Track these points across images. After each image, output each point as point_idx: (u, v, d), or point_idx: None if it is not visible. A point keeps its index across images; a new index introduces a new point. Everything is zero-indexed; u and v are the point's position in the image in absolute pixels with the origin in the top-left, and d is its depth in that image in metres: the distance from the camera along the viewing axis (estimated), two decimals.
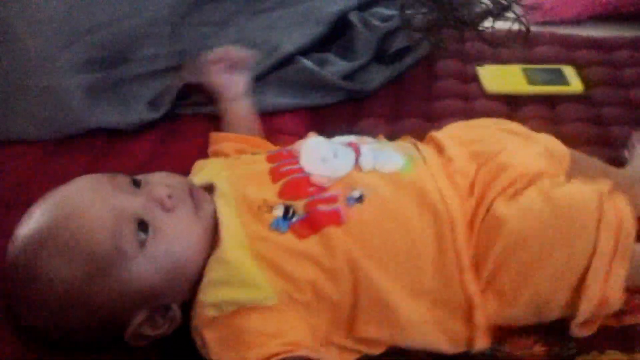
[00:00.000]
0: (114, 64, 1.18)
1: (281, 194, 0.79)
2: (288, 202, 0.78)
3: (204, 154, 1.05)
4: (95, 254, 0.71)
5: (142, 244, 0.73)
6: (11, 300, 0.77)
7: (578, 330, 0.79)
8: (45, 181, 0.92)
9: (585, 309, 0.77)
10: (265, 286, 0.73)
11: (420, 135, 1.07)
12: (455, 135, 0.92)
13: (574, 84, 1.28)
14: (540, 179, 0.82)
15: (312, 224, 0.77)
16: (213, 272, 0.75)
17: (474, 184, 0.83)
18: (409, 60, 1.33)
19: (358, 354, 0.79)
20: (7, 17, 1.13)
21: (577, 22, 1.52)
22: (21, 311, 0.76)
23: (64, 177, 0.80)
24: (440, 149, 0.89)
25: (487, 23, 1.37)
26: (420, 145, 0.90)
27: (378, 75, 1.28)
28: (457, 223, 0.78)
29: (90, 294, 0.72)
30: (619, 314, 0.81)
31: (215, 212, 0.79)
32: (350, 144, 0.86)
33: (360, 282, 0.75)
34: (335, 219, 0.77)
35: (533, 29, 1.48)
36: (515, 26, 1.35)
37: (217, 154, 1.00)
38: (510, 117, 1.08)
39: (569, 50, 1.39)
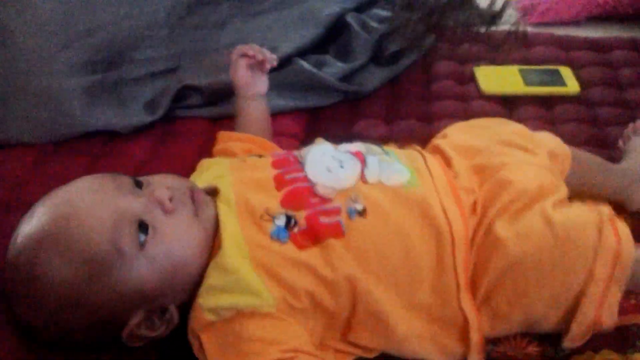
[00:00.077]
0: (112, 66, 1.18)
1: (284, 202, 0.79)
2: (290, 212, 0.78)
3: (202, 155, 1.05)
4: (95, 254, 0.71)
5: (141, 245, 0.73)
6: (11, 299, 0.77)
7: (569, 343, 0.80)
8: (44, 183, 0.92)
9: (577, 329, 0.78)
10: (264, 293, 0.73)
11: (417, 136, 1.08)
12: (458, 145, 0.92)
13: (571, 85, 1.28)
14: (542, 197, 0.81)
15: (313, 235, 0.77)
16: (212, 278, 0.75)
17: (477, 202, 0.83)
18: (406, 61, 1.33)
19: (352, 356, 0.79)
20: (5, 18, 1.13)
21: (574, 23, 1.52)
22: (20, 310, 0.76)
23: (62, 179, 0.80)
24: (447, 161, 0.89)
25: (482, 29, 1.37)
26: (427, 155, 0.89)
27: (375, 77, 1.29)
28: (459, 242, 0.78)
29: (89, 293, 0.72)
30: None
31: (216, 216, 0.79)
32: (356, 154, 0.85)
33: (358, 295, 0.75)
34: (337, 231, 0.77)
35: (530, 29, 1.49)
36: (513, 28, 1.35)
37: (224, 153, 0.99)
38: (507, 118, 1.08)
39: (566, 51, 1.40)
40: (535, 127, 1.00)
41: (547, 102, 1.25)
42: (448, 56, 1.38)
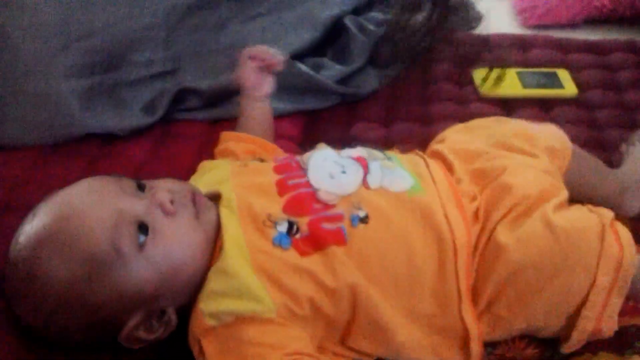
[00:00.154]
0: (109, 69, 1.18)
1: (286, 208, 0.79)
2: (292, 218, 0.78)
3: (201, 157, 1.05)
4: (94, 254, 0.72)
5: (141, 246, 0.73)
6: (10, 299, 0.77)
7: (567, 349, 0.80)
8: (42, 184, 0.93)
9: (577, 337, 0.78)
10: (265, 298, 0.73)
11: (416, 138, 1.08)
12: (457, 149, 0.92)
13: (568, 87, 1.28)
14: (543, 201, 0.81)
15: (315, 242, 0.76)
16: (214, 282, 0.75)
17: (479, 209, 0.83)
18: (403, 64, 1.33)
19: (349, 359, 0.79)
20: (3, 21, 1.13)
21: (571, 25, 1.52)
22: (20, 310, 0.76)
23: (61, 181, 0.80)
24: (448, 167, 0.89)
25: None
26: (430, 161, 0.89)
27: (373, 79, 1.29)
28: (461, 250, 0.78)
29: (87, 293, 0.72)
30: None
31: (217, 220, 0.79)
32: (358, 159, 0.85)
33: (359, 302, 0.75)
34: (339, 238, 0.77)
35: (528, 32, 1.50)
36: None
37: (225, 153, 0.99)
38: None
39: (564, 54, 1.40)
40: None
41: (545, 104, 1.25)
42: (446, 58, 1.38)
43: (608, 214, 0.81)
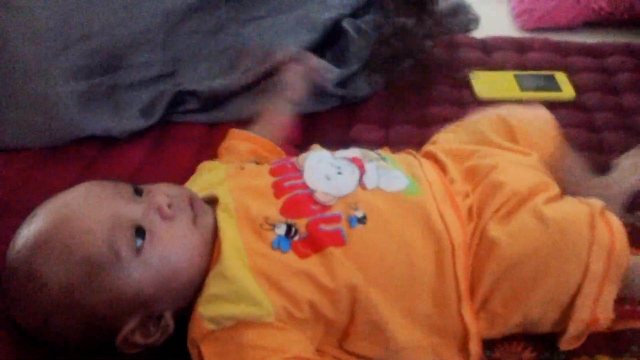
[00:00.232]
0: (107, 71, 1.18)
1: (283, 210, 0.79)
2: (290, 221, 0.78)
3: (198, 160, 1.05)
4: (91, 257, 0.72)
5: (138, 250, 0.73)
6: (8, 301, 0.77)
7: (566, 344, 0.80)
8: (39, 187, 0.93)
9: (574, 329, 0.78)
10: (265, 302, 0.73)
11: (413, 141, 1.08)
12: (448, 149, 0.92)
13: (566, 90, 1.28)
14: (533, 196, 0.81)
15: (313, 243, 0.76)
16: (212, 287, 0.75)
17: (472, 207, 0.83)
18: (402, 67, 1.33)
19: None
20: (1, 24, 1.13)
21: (569, 28, 1.52)
22: (18, 312, 0.77)
23: (58, 184, 0.81)
24: (441, 167, 0.89)
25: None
26: (423, 160, 0.89)
27: (372, 82, 1.29)
28: (458, 249, 0.78)
29: (84, 296, 0.72)
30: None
31: (215, 224, 0.79)
32: (354, 160, 0.85)
33: (358, 303, 0.75)
34: (337, 239, 0.77)
35: (526, 35, 1.50)
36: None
37: (229, 150, 0.99)
38: None
39: (562, 57, 1.40)
40: None
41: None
42: (444, 61, 1.38)
43: (598, 203, 0.81)
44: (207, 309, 0.74)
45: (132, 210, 0.75)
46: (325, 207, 0.79)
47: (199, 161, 1.00)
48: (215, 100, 1.22)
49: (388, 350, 0.78)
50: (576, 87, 1.29)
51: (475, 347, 0.78)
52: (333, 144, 0.93)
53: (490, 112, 0.98)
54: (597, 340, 0.81)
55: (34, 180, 1.06)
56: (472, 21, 1.55)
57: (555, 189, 0.85)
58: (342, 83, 1.26)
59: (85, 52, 1.16)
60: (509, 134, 0.93)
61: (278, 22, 1.32)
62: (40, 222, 0.75)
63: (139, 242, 0.73)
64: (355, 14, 1.38)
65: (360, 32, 1.32)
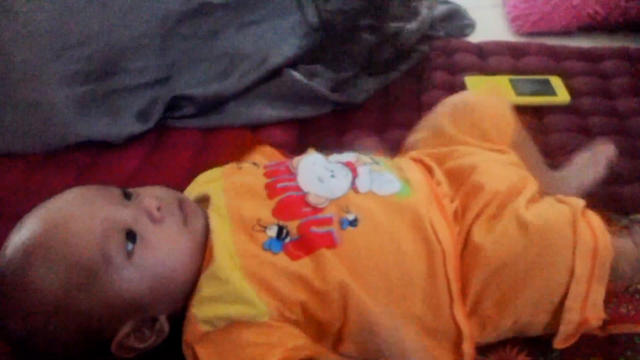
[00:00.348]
0: (103, 77, 1.18)
1: (276, 212, 0.79)
2: (282, 223, 0.78)
3: (194, 165, 1.06)
4: (82, 263, 0.71)
5: (129, 254, 0.73)
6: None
7: (560, 344, 0.80)
8: (34, 194, 0.92)
9: (566, 330, 0.78)
10: (258, 303, 0.73)
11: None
12: (429, 153, 0.92)
13: (561, 95, 1.28)
14: (513, 197, 0.82)
15: (305, 245, 0.76)
16: (206, 288, 0.75)
17: (457, 211, 0.83)
18: (397, 71, 1.33)
19: None
20: None
21: (565, 33, 1.52)
22: (9, 322, 0.75)
23: (51, 191, 0.80)
24: (428, 170, 0.89)
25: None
26: (413, 165, 0.89)
27: (366, 87, 1.29)
28: (448, 252, 0.78)
29: (76, 302, 0.72)
30: (604, 323, 0.81)
31: (206, 225, 0.79)
32: (347, 164, 0.85)
33: (350, 305, 0.75)
34: (329, 241, 0.77)
35: (521, 39, 1.50)
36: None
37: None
38: None
39: (557, 61, 1.40)
40: None
41: (537, 111, 1.25)
42: (439, 66, 1.38)
43: (578, 202, 0.81)
44: (201, 311, 0.74)
45: (122, 214, 0.75)
46: (317, 210, 0.79)
47: (195, 166, 1.00)
48: (211, 105, 1.22)
49: (381, 352, 0.78)
50: (571, 92, 1.29)
51: (468, 348, 0.78)
52: (328, 149, 0.93)
53: (448, 104, 0.99)
54: (592, 344, 0.81)
55: (29, 186, 1.06)
56: (468, 26, 1.55)
57: (534, 185, 0.86)
58: (337, 88, 1.27)
59: (81, 57, 1.16)
60: (472, 126, 0.93)
61: (273, 27, 1.33)
62: (29, 229, 0.74)
63: (130, 245, 0.73)
64: (350, 19, 1.38)
65: (355, 37, 1.32)
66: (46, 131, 1.12)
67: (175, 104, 1.21)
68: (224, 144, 1.16)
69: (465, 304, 0.79)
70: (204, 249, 0.78)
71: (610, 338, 0.82)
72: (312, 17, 1.33)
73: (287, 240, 0.77)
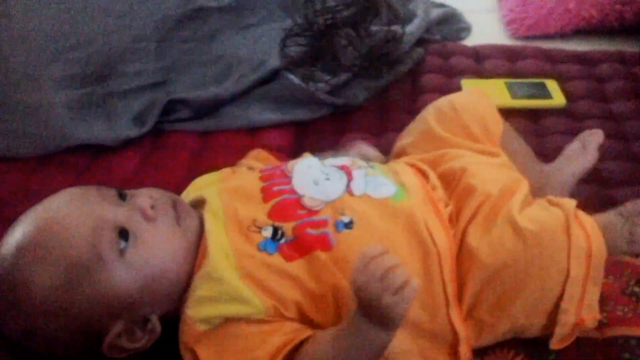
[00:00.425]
0: (100, 80, 1.18)
1: (271, 214, 0.79)
2: (277, 224, 0.78)
3: (190, 168, 1.05)
4: (74, 260, 0.72)
5: (121, 252, 0.73)
6: None
7: (556, 345, 0.80)
8: (31, 197, 0.92)
9: (562, 332, 0.78)
10: (255, 301, 0.73)
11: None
12: (423, 158, 0.92)
13: (557, 98, 1.29)
14: (506, 199, 0.82)
15: (300, 247, 0.77)
16: (200, 289, 0.75)
17: (452, 214, 0.83)
18: (394, 74, 1.34)
19: None
20: None
21: (560, 36, 1.53)
22: (2, 321, 0.76)
23: (49, 193, 0.80)
24: (423, 174, 0.89)
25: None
26: (407, 169, 0.89)
27: (363, 90, 1.29)
28: (444, 255, 0.79)
29: (68, 300, 0.72)
30: (601, 326, 0.82)
31: (200, 226, 0.79)
32: (342, 167, 0.86)
33: (344, 307, 0.75)
34: (324, 243, 0.77)
35: (517, 43, 1.51)
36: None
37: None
38: None
39: (552, 64, 1.41)
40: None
41: (533, 114, 1.25)
42: (435, 69, 1.39)
43: (570, 204, 0.81)
44: (197, 311, 0.74)
45: (116, 212, 0.75)
46: (312, 212, 0.80)
47: (192, 169, 1.00)
48: (207, 109, 1.22)
49: None
50: (567, 95, 1.29)
51: (465, 351, 0.78)
52: (325, 151, 0.93)
53: (434, 107, 0.99)
54: (588, 347, 0.81)
55: (25, 190, 1.06)
56: (464, 29, 1.56)
57: (525, 187, 0.86)
58: (334, 91, 1.27)
59: (77, 61, 1.16)
60: (462, 128, 0.93)
61: (270, 30, 1.33)
62: (23, 228, 0.75)
63: (123, 244, 0.73)
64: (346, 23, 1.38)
65: (351, 41, 1.32)
66: (42, 134, 1.12)
67: (171, 107, 1.21)
68: (222, 147, 1.17)
69: (462, 309, 0.79)
70: (197, 250, 0.78)
71: (607, 341, 0.81)
72: (300, 19, 1.33)
73: (282, 241, 0.77)
